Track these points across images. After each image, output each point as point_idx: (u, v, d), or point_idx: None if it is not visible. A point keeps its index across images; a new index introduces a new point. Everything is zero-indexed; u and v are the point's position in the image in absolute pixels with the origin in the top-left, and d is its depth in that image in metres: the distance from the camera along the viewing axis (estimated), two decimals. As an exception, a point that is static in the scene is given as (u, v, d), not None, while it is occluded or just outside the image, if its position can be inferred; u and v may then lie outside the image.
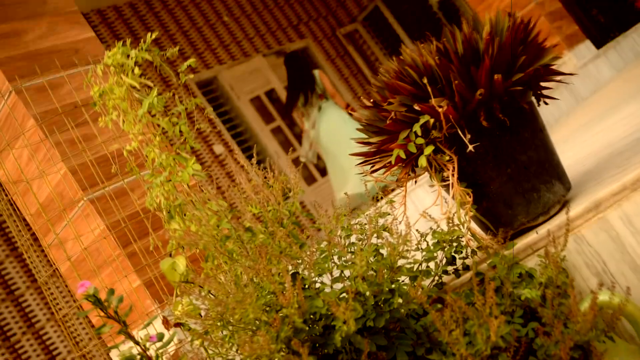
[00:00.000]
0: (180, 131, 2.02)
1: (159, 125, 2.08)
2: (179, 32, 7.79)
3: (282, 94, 8.06)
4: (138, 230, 2.30)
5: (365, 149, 1.73)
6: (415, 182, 1.79)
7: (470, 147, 1.51)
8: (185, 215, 1.88)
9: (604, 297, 1.33)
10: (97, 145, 2.31)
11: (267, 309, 1.35)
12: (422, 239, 1.62)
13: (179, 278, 1.75)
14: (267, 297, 1.34)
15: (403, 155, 1.55)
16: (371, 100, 1.68)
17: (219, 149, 7.25)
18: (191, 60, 2.10)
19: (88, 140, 2.34)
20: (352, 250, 1.49)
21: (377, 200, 1.70)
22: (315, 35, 9.50)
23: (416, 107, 1.51)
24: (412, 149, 1.55)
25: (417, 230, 1.62)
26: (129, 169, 2.00)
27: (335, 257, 1.44)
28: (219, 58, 8.09)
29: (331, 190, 5.75)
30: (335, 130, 5.52)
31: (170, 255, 1.85)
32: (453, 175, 1.52)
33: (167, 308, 2.09)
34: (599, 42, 5.65)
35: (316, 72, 5.82)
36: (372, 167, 1.72)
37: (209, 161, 7.01)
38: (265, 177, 1.41)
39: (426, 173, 1.75)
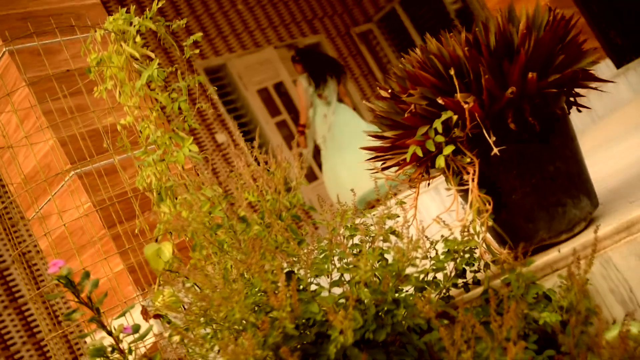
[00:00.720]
0: (180, 108, 1.88)
1: (157, 101, 1.93)
2: (191, 15, 7.63)
3: (291, 88, 7.92)
4: (126, 212, 2.16)
5: (377, 143, 1.59)
6: (429, 184, 1.64)
7: (495, 150, 1.36)
8: (176, 199, 1.74)
9: (635, 328, 1.18)
10: (90, 117, 2.16)
11: (256, 309, 1.21)
12: (432, 246, 1.48)
13: (163, 266, 1.60)
14: (257, 296, 1.20)
15: (420, 153, 1.41)
16: (389, 91, 1.53)
17: (221, 137, 7.10)
18: (197, 35, 1.95)
19: (81, 111, 2.19)
20: (356, 251, 1.34)
21: (381, 201, 1.56)
22: (328, 32, 9.35)
23: (439, 101, 1.37)
24: (431, 147, 1.41)
25: (425, 236, 1.47)
26: (120, 145, 1.86)
27: (336, 258, 1.29)
28: (229, 46, 7.94)
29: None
30: (352, 124, 5.44)
31: (157, 241, 1.71)
32: (473, 179, 1.38)
33: (150, 297, 1.94)
34: (617, 64, 5.51)
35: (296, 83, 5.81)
36: (384, 163, 1.58)
37: (210, 150, 6.86)
38: (267, 163, 1.27)
39: (439, 175, 1.61)
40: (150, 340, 1.82)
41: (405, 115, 1.44)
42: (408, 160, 1.42)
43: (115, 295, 2.13)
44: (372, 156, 1.58)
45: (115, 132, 2.06)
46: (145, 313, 1.64)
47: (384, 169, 1.57)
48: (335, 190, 5.58)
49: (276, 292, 1.17)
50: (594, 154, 2.92)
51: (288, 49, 8.62)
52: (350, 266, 1.27)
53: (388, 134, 1.52)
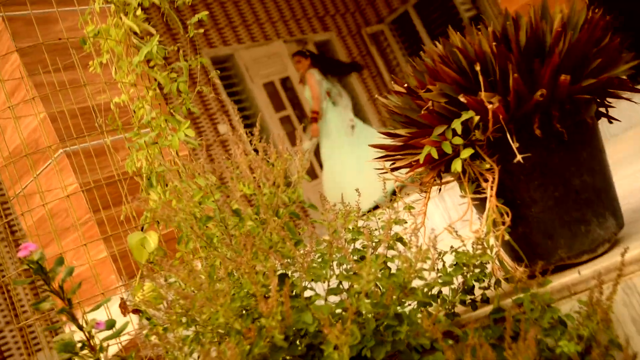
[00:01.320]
0: (179, 90, 1.75)
1: (155, 80, 1.81)
2: (201, 3, 7.50)
3: (297, 84, 7.79)
4: (114, 196, 2.03)
5: (388, 141, 1.46)
6: (440, 189, 1.52)
7: (519, 158, 1.24)
8: (167, 186, 1.62)
9: (665, 368, 1.06)
10: (83, 94, 2.04)
11: (243, 313, 1.08)
12: (440, 257, 1.35)
13: (146, 257, 1.48)
14: (244, 300, 1.07)
15: (435, 155, 1.28)
16: (405, 85, 1.41)
17: (223, 128, 6.98)
18: (203, 14, 1.83)
19: (74, 87, 2.06)
20: (357, 257, 1.22)
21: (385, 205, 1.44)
22: (339, 30, 9.23)
23: (461, 99, 1.24)
24: (447, 148, 1.28)
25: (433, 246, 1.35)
26: (111, 124, 1.73)
27: (335, 263, 1.17)
28: (238, 36, 7.82)
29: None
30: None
31: (142, 230, 1.58)
32: (492, 188, 1.25)
33: (132, 289, 1.82)
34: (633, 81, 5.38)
35: (306, 75, 5.89)
36: (393, 163, 1.45)
37: (211, 140, 6.74)
38: (266, 153, 1.14)
39: (452, 181, 1.48)
40: (126, 337, 1.69)
41: (422, 113, 1.31)
42: (421, 161, 1.30)
43: (97, 284, 2.00)
44: (382, 155, 1.46)
45: (108, 112, 1.94)
46: (123, 307, 1.52)
47: (393, 169, 1.44)
48: (333, 191, 5.50)
49: (267, 296, 1.05)
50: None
51: (297, 44, 8.50)
52: (351, 273, 1.14)
53: (401, 131, 1.39)
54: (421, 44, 9.51)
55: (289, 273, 1.11)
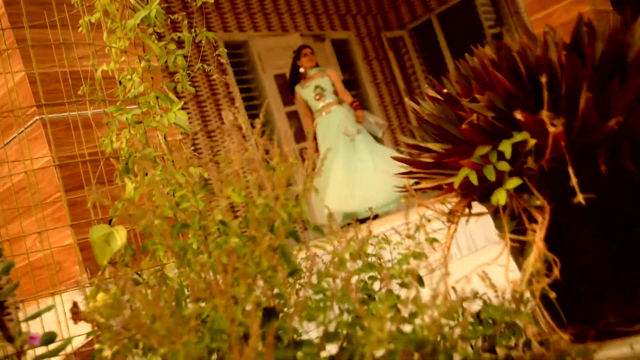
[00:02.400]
0: (176, 64, 1.51)
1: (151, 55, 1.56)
2: (221, -17, 7.25)
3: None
4: (90, 176, 1.79)
5: (413, 154, 1.22)
6: (467, 220, 1.27)
7: (580, 197, 0.99)
8: (146, 175, 1.37)
9: None
10: (70, 58, 1.79)
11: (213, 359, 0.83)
12: (460, 304, 1.10)
13: (109, 257, 1.23)
14: (215, 340, 0.82)
15: (474, 180, 1.03)
16: (444, 90, 1.16)
17: (229, 116, 6.72)
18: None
19: (60, 47, 1.81)
20: (364, 295, 0.97)
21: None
22: (359, 31, 8.98)
23: (518, 116, 0.99)
24: (490, 175, 1.04)
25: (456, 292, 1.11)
26: (92, 94, 1.49)
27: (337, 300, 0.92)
28: (255, 23, 7.57)
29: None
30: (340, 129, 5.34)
31: (110, 223, 1.34)
32: (541, 230, 1.01)
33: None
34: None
35: (326, 70, 5.85)
36: (418, 183, 1.21)
37: (214, 127, 6.48)
38: (267, 152, 0.89)
39: (486, 214, 1.24)
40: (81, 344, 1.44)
41: (463, 127, 1.07)
42: (456, 186, 1.05)
43: (58, 273, 1.76)
44: (405, 171, 1.21)
45: (95, 81, 1.69)
46: (75, 312, 1.27)
47: (417, 189, 1.20)
48: (318, 205, 5.33)
49: (244, 339, 0.80)
50: None
51: (314, 39, 8.25)
52: (357, 325, 0.89)
53: (433, 146, 1.15)
54: (440, 54, 9.27)
55: (276, 307, 0.87)
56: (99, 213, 1.70)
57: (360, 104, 5.98)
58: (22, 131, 1.84)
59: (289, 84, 6.15)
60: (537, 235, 1.00)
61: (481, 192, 1.12)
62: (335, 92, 5.86)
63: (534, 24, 5.00)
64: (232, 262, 0.85)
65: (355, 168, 5.45)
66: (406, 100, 1.23)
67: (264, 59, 7.43)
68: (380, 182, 5.19)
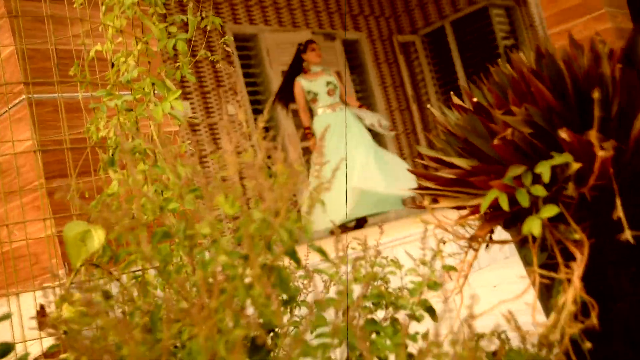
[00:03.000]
0: (176, 49, 1.37)
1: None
2: (234, -26, 7.11)
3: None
4: (76, 165, 1.65)
5: (431, 167, 1.08)
6: (487, 245, 1.13)
7: (628, 235, 0.85)
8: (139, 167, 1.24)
9: None
10: (62, 35, 1.65)
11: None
12: (476, 343, 0.97)
13: (83, 259, 1.09)
14: (191, 378, 0.69)
15: (504, 205, 0.90)
16: (474, 99, 1.02)
17: (232, 109, 6.59)
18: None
19: (56, 24, 1.68)
20: (374, 332, 0.84)
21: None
22: (370, 32, 8.84)
23: (562, 135, 0.86)
24: (523, 200, 0.90)
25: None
26: (80, 76, 1.35)
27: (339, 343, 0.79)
28: (266, 17, 7.43)
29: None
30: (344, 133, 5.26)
31: (89, 220, 1.20)
32: (579, 268, 0.87)
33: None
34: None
35: (332, 70, 5.76)
36: (435, 200, 1.07)
37: (217, 120, 6.34)
38: (270, 157, 0.76)
39: (511, 242, 1.10)
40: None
41: (495, 142, 0.93)
42: (484, 209, 0.91)
43: (33, 267, 1.62)
44: (422, 187, 1.07)
45: (91, 61, 1.55)
46: (42, 313, 1.13)
47: (434, 207, 1.06)
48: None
49: (226, 379, 0.67)
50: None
51: (325, 38, 8.12)
52: (358, 358, 0.76)
53: (457, 161, 1.01)
54: (451, 62, 9.13)
55: (266, 345, 0.73)
56: (77, 207, 1.56)
57: (367, 106, 5.95)
58: (7, 111, 1.71)
59: (288, 74, 5.98)
60: (575, 273, 0.86)
61: (508, 217, 0.98)
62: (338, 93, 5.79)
63: (552, 38, 4.87)
64: (217, 288, 0.71)
65: (381, 154, 5.47)
66: (429, 105, 1.10)
67: (272, 54, 7.30)
68: (400, 174, 5.11)
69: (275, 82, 7.05)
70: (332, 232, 4.97)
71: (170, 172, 0.85)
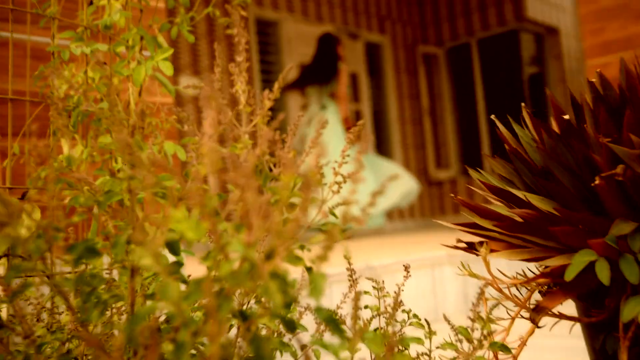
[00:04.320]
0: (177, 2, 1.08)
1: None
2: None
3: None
4: (23, 123, 1.35)
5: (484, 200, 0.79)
6: (552, 326, 0.84)
7: None
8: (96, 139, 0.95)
9: None
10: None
11: None
12: None
13: (6, 245, 0.80)
14: None
15: (605, 278, 0.61)
16: (565, 116, 0.73)
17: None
18: None
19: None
20: None
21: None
22: (394, 38, 8.55)
23: None
24: (631, 273, 0.61)
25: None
26: (40, 11, 1.06)
27: None
28: (290, 4, 7.14)
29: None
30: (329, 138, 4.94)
31: (24, 197, 0.92)
32: None
33: None
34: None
35: (340, 66, 5.40)
36: (486, 245, 0.78)
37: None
38: (273, 155, 0.48)
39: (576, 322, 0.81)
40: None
41: (597, 182, 0.64)
42: (571, 277, 0.62)
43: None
44: (470, 223, 0.78)
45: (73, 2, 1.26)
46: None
47: (472, 252, 0.77)
48: None
49: None
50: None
51: (347, 36, 7.83)
52: None
53: (533, 199, 0.72)
54: (471, 81, 8.83)
55: None
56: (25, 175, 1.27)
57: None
58: (-32, 46, 1.41)
59: (329, 64, 5.53)
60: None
61: (592, 289, 0.69)
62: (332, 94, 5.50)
63: (589, 70, 4.58)
64: (156, 348, 0.42)
65: (376, 162, 5.23)
66: (493, 117, 0.81)
67: (292, 43, 7.02)
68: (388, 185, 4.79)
69: (291, 72, 6.77)
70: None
71: (122, 152, 0.56)
